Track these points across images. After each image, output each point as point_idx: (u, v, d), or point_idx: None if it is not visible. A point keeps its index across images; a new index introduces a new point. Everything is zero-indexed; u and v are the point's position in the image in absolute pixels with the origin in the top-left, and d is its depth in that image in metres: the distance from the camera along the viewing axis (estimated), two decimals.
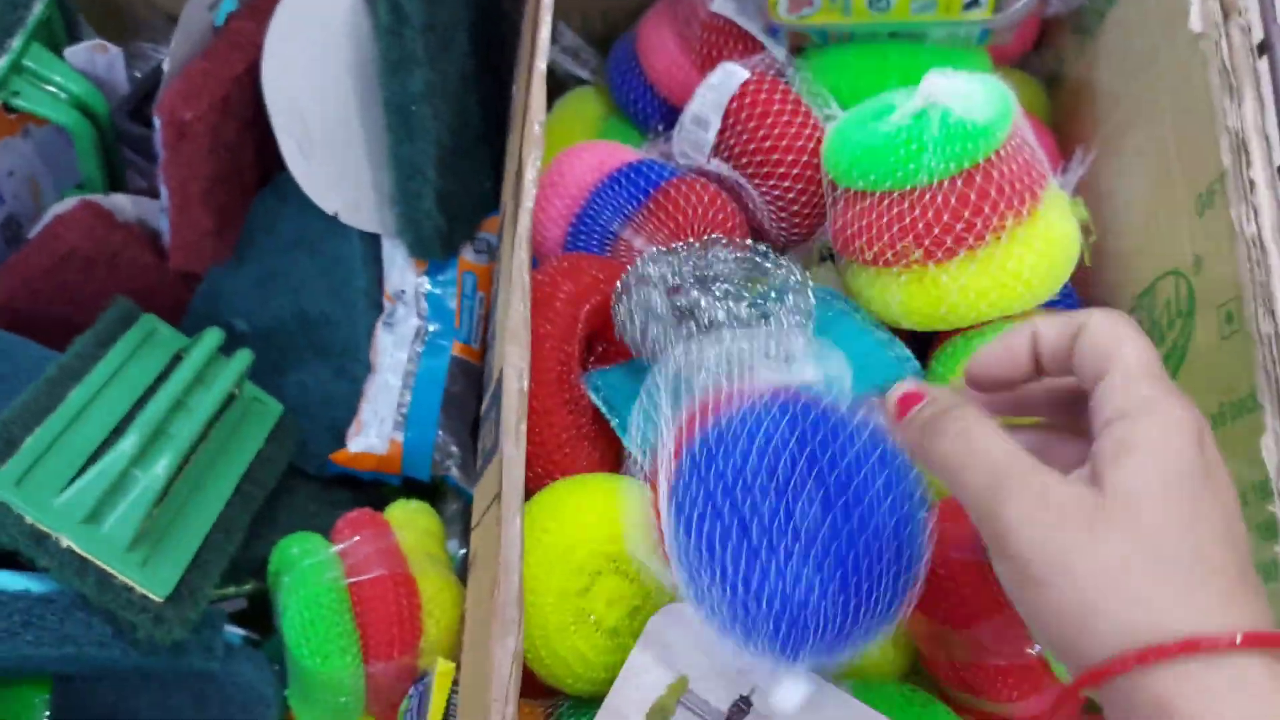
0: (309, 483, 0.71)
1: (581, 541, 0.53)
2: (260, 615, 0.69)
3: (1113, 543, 0.35)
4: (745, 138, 0.66)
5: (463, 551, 0.70)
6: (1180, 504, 0.35)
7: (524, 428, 0.50)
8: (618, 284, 0.59)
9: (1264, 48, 0.55)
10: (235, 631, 0.67)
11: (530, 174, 0.51)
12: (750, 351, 0.55)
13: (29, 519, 0.54)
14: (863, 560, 0.45)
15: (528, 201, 0.50)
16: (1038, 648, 0.52)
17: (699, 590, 0.47)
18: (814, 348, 0.56)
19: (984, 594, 0.52)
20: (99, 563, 0.55)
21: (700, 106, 0.68)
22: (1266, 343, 0.51)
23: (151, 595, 0.56)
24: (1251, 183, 0.53)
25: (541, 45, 0.54)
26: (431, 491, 0.71)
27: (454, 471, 0.69)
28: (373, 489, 0.71)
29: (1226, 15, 0.56)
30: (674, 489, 0.47)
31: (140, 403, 0.61)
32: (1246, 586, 0.35)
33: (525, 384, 0.50)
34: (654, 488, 0.50)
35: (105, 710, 0.65)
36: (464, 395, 0.70)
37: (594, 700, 0.54)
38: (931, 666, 0.57)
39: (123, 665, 0.57)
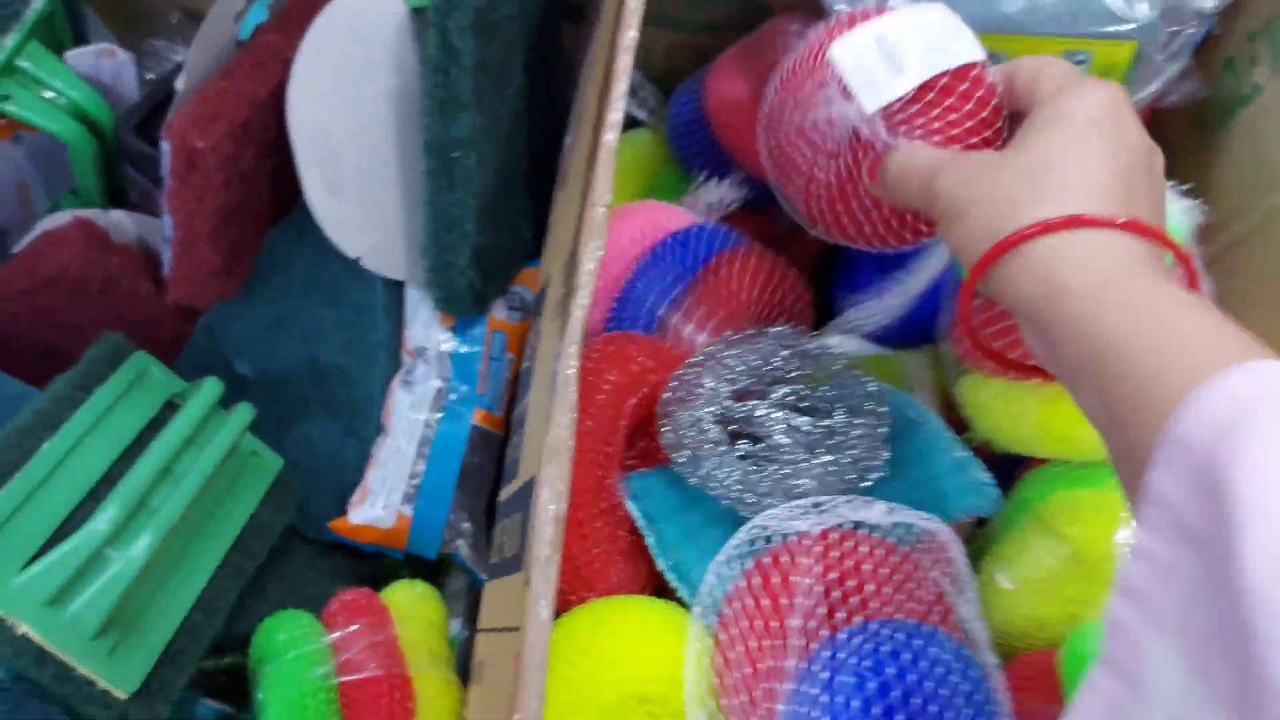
0: (305, 546, 0.64)
1: (613, 682, 0.46)
2: (238, 686, 0.63)
3: (1015, 169, 0.41)
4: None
5: (464, 634, 0.64)
6: (1084, 143, 0.40)
7: (557, 559, 0.43)
8: (662, 397, 0.53)
9: None
10: (210, 705, 0.61)
11: (589, 265, 0.44)
12: (820, 487, 0.49)
13: None
14: None
15: (583, 298, 0.43)
16: None
17: None
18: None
19: None
20: (59, 654, 0.48)
21: (902, 34, 0.48)
22: None
23: (115, 692, 0.50)
24: None
25: (614, 107, 0.47)
26: (435, 565, 0.65)
27: (463, 550, 0.62)
28: (374, 558, 0.65)
29: None
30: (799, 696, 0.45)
31: (124, 458, 0.54)
32: (1137, 205, 0.39)
33: (563, 510, 0.43)
34: (727, 645, 0.47)
35: None
36: (482, 467, 0.63)
37: None
38: None
39: None
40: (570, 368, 0.43)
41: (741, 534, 0.48)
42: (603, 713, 0.46)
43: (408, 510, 0.61)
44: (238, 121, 0.55)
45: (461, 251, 0.58)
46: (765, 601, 0.47)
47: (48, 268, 0.59)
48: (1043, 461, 0.56)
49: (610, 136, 0.45)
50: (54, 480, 0.52)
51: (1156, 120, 0.68)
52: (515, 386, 0.65)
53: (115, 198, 0.64)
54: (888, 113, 0.47)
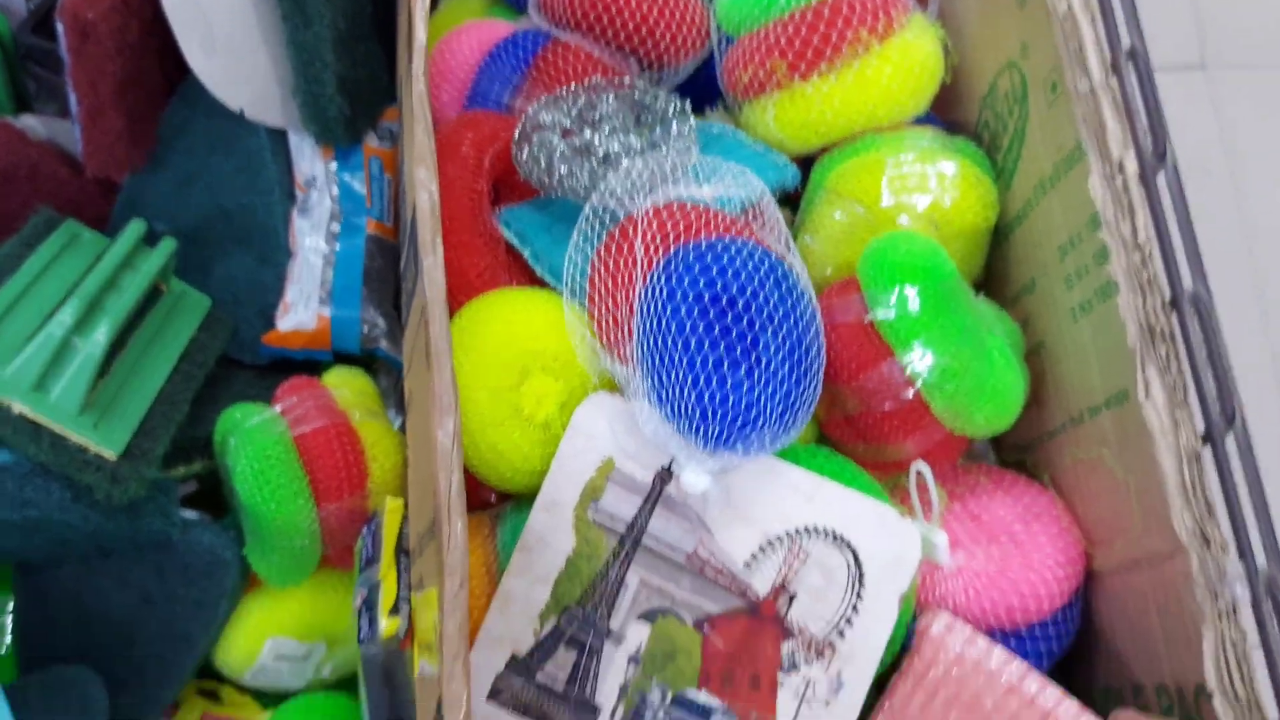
0: (245, 371, 0.75)
1: (509, 341, 0.58)
2: (211, 499, 0.72)
3: None
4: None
5: (399, 420, 0.74)
6: None
7: (439, 241, 0.54)
8: (516, 133, 0.64)
9: None
10: (188, 514, 0.70)
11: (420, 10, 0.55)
12: (653, 175, 0.61)
13: None
14: (798, 368, 0.55)
15: (420, 35, 0.55)
16: (912, 391, 0.58)
17: (664, 392, 0.54)
18: (706, 165, 0.62)
19: (867, 348, 0.59)
20: (52, 425, 0.58)
21: None
22: (1084, 99, 0.58)
23: (105, 453, 0.59)
24: None
25: None
26: (364, 369, 0.75)
27: (383, 343, 0.73)
28: (307, 371, 0.75)
29: None
30: (645, 309, 0.56)
31: (72, 292, 0.64)
32: None
33: (436, 201, 0.54)
34: (593, 303, 0.58)
35: (69, 595, 0.67)
36: (384, 271, 0.74)
37: (532, 498, 0.59)
38: (830, 429, 0.63)
39: (84, 530, 0.60)
40: (420, 91, 0.55)
41: (586, 211, 0.59)
42: (504, 367, 0.58)
43: (326, 311, 0.71)
44: None
45: (326, 81, 0.69)
46: (613, 261, 0.59)
47: None
48: (827, 152, 0.69)
49: None
50: (20, 304, 0.61)
51: None
52: (397, 204, 0.76)
53: (20, 107, 0.74)
54: None
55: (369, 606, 0.62)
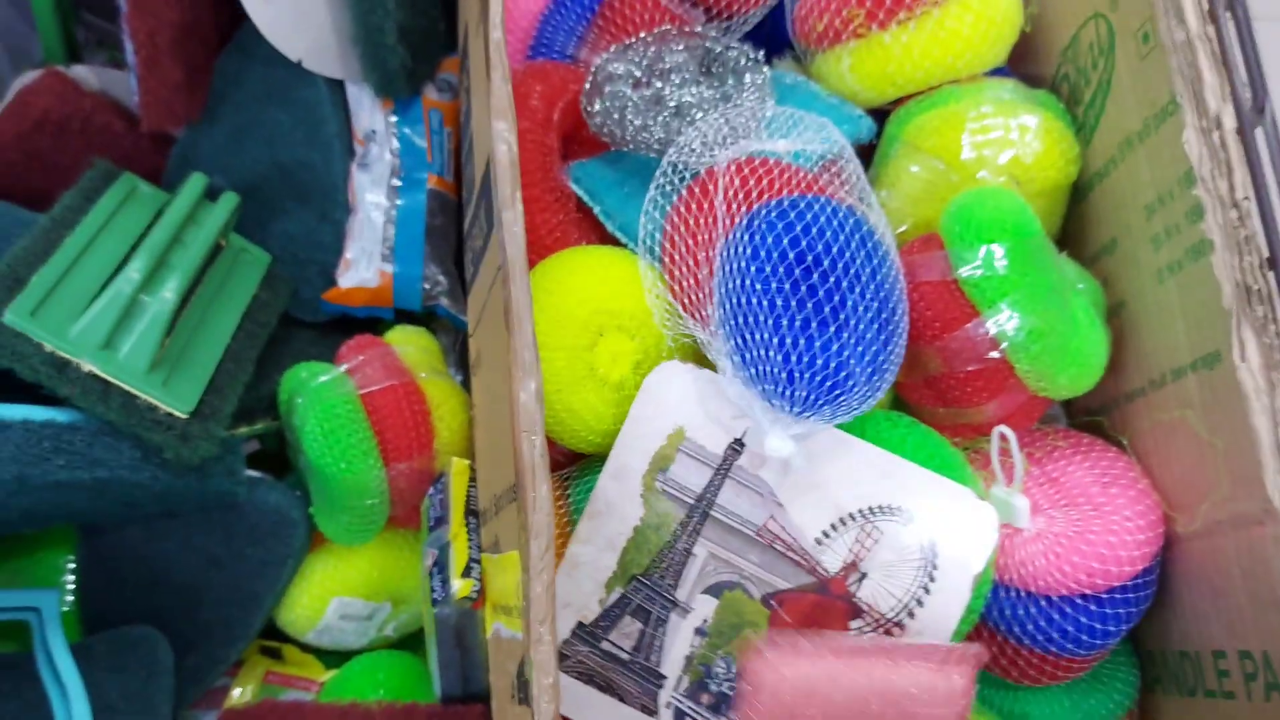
0: (307, 330, 0.74)
1: (584, 300, 0.57)
2: (273, 459, 0.72)
3: None
4: None
5: (459, 378, 0.73)
6: None
7: (519, 196, 0.53)
8: (586, 84, 0.63)
9: None
10: (253, 474, 0.69)
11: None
12: (729, 128, 0.59)
13: (48, 347, 0.56)
14: (885, 327, 0.54)
15: (495, 30, 0.53)
16: (998, 352, 0.57)
17: (748, 354, 0.52)
18: (782, 118, 0.60)
19: (951, 307, 0.57)
20: (122, 384, 0.57)
21: None
22: (1180, 49, 0.56)
23: (175, 412, 0.58)
24: None
25: None
26: (425, 326, 0.74)
27: (444, 301, 0.72)
28: (367, 329, 0.74)
29: None
30: (727, 269, 0.55)
31: (136, 246, 0.63)
32: None
33: (515, 154, 0.53)
34: (670, 263, 0.57)
35: (134, 556, 0.67)
36: (445, 227, 0.73)
37: (603, 459, 0.58)
38: (908, 392, 0.62)
39: (152, 491, 0.60)
40: (497, 39, 0.53)
41: (664, 165, 0.58)
42: (579, 327, 0.57)
43: (388, 268, 0.70)
44: None
45: (388, 30, 0.67)
46: (691, 218, 0.57)
47: (33, 113, 0.67)
48: (904, 104, 0.67)
49: None
50: (83, 260, 0.60)
51: None
52: (459, 158, 0.74)
53: (72, 58, 0.73)
54: None
55: (440, 568, 0.61)
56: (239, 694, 0.70)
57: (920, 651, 0.53)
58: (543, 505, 0.48)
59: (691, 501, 0.57)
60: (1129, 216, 0.61)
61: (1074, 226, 0.68)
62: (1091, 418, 0.68)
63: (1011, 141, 0.63)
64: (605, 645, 0.58)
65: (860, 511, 0.57)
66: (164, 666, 0.65)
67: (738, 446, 0.57)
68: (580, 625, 0.58)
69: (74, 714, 0.60)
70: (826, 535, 0.57)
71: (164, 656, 0.65)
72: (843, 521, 0.57)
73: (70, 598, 0.68)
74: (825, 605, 0.57)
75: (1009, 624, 0.59)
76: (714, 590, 0.57)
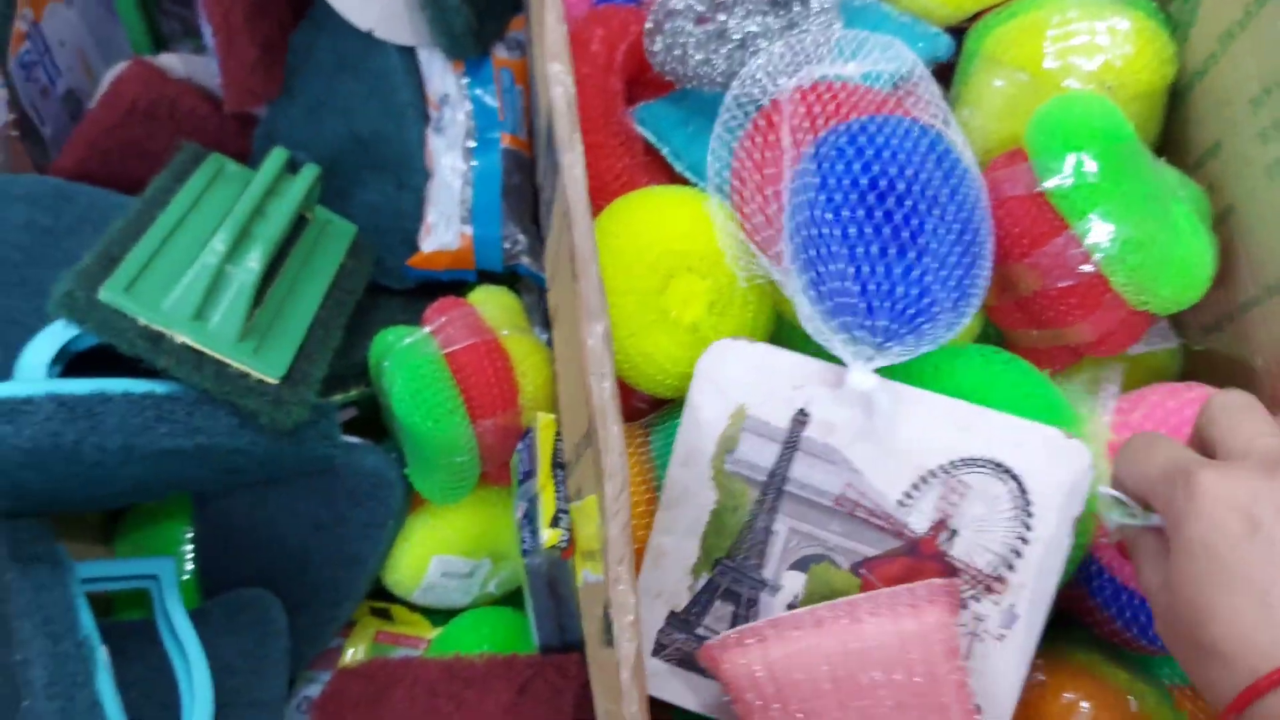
0: (394, 297, 0.75)
1: (653, 242, 0.56)
2: (370, 428, 0.73)
3: None
4: None
5: (544, 336, 0.73)
6: None
7: (578, 137, 0.52)
8: (647, 23, 0.62)
9: None
10: (350, 439, 0.71)
11: None
12: (795, 55, 0.57)
13: (142, 321, 0.58)
14: (968, 250, 0.52)
15: None
16: (1091, 265, 0.54)
17: (825, 288, 0.51)
18: (851, 40, 0.58)
19: (1040, 221, 0.54)
20: (214, 353, 0.59)
21: None
22: None
23: (267, 379, 0.60)
24: None
25: None
26: (508, 287, 0.74)
27: (525, 260, 0.72)
28: (453, 292, 0.75)
29: None
30: (796, 199, 0.53)
31: (222, 222, 0.65)
32: None
33: (573, 95, 0.52)
34: (740, 199, 0.55)
35: (244, 524, 0.69)
36: (521, 185, 0.73)
37: (681, 405, 0.57)
38: (999, 315, 0.59)
39: (252, 456, 0.61)
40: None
41: (728, 100, 0.57)
42: (649, 270, 0.56)
43: (468, 230, 0.71)
44: None
45: None
46: (758, 151, 0.56)
47: (123, 102, 0.70)
48: (982, 16, 0.64)
49: None
50: (174, 237, 0.62)
51: None
52: (530, 116, 0.74)
53: (158, 47, 0.75)
54: None
55: (529, 519, 0.61)
56: (352, 654, 0.72)
57: (883, 601, 0.51)
58: (614, 445, 0.47)
59: (764, 479, 0.56)
60: (1234, 113, 0.57)
61: (1173, 132, 0.63)
62: (1203, 338, 0.63)
63: (1099, 46, 0.59)
64: (700, 631, 0.57)
65: (942, 467, 0.54)
66: (278, 627, 0.67)
67: (802, 417, 0.55)
68: (673, 614, 0.57)
69: (194, 675, 0.63)
70: (909, 496, 0.54)
71: (277, 617, 0.67)
72: (925, 480, 0.54)
73: (190, 566, 0.72)
74: (917, 567, 0.55)
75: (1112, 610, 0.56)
76: (800, 565, 0.56)
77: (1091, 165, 0.53)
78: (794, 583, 0.56)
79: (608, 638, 0.50)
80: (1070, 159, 0.53)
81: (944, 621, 0.51)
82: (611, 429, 0.48)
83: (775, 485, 0.56)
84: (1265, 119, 0.54)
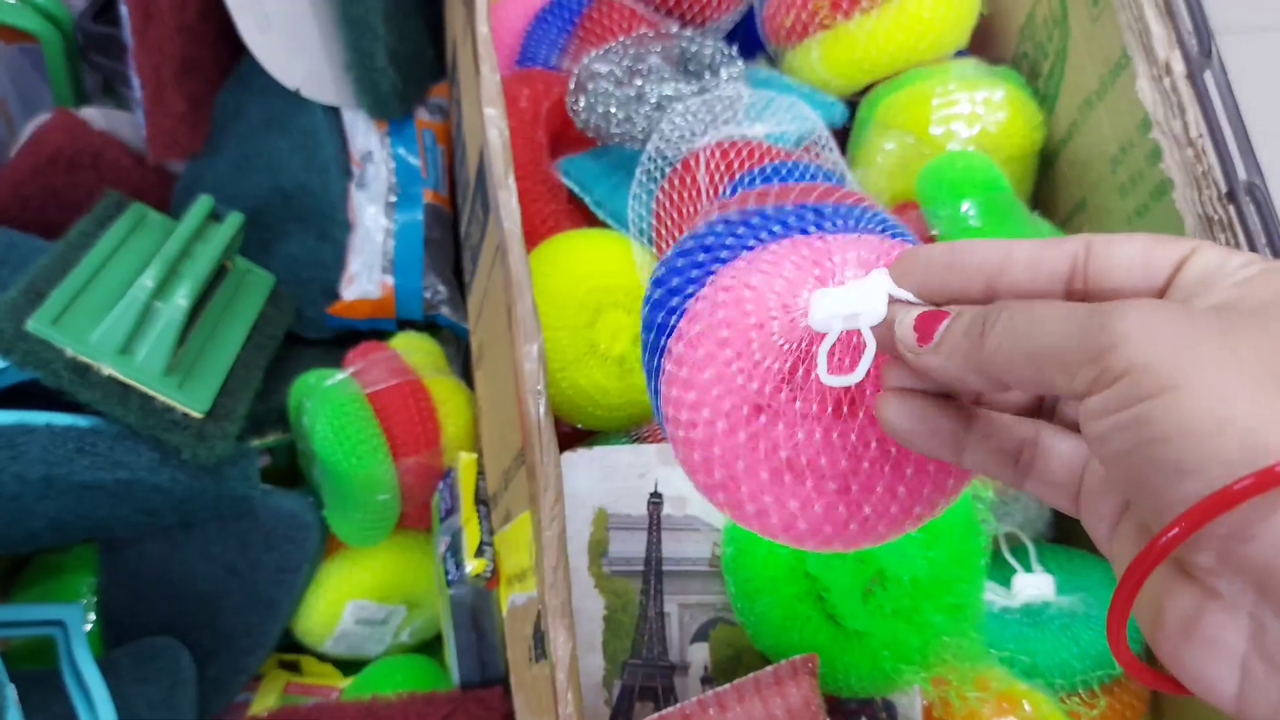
0: (311, 347, 0.76)
1: (583, 279, 0.59)
2: (286, 477, 0.74)
3: (1246, 350, 0.25)
4: None
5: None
6: None
7: (512, 176, 0.56)
8: (571, 83, 0.66)
9: None
10: (266, 486, 0.71)
11: (483, 30, 0.57)
12: (708, 114, 0.62)
13: (70, 352, 0.58)
14: None
15: (485, 48, 0.57)
16: None
17: None
18: (758, 102, 0.63)
19: None
20: (140, 386, 0.59)
21: None
22: (1127, 5, 0.59)
23: (191, 413, 0.60)
24: None
25: None
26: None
27: (444, 310, 0.74)
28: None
29: None
30: None
31: (150, 260, 0.65)
32: None
33: (507, 138, 0.56)
34: (660, 241, 0.58)
35: (154, 569, 0.68)
36: (442, 239, 0.75)
37: (610, 433, 0.60)
38: None
39: (171, 495, 0.61)
40: (485, 33, 0.56)
41: (649, 150, 0.61)
42: (578, 305, 0.59)
43: (389, 280, 0.73)
44: None
45: (378, 54, 0.71)
46: (677, 194, 0.60)
47: (46, 149, 0.70)
48: (873, 89, 0.71)
49: None
50: (102, 274, 0.63)
51: None
52: (451, 174, 0.77)
53: (80, 100, 0.76)
54: None
55: (454, 551, 0.62)
56: (260, 709, 0.71)
57: (747, 687, 0.51)
58: (550, 457, 0.50)
59: (642, 568, 0.58)
60: (1095, 172, 0.64)
61: (1044, 191, 0.71)
62: None
63: (977, 115, 0.66)
64: None
65: None
66: (187, 676, 0.65)
67: (656, 499, 0.58)
68: None
69: None
70: None
71: (186, 666, 0.66)
72: None
73: (93, 616, 0.70)
74: None
75: None
76: (700, 635, 0.58)
77: (974, 212, 0.59)
78: (699, 654, 0.57)
79: (539, 653, 0.51)
80: (954, 206, 0.59)
81: (808, 697, 0.52)
82: (546, 440, 0.50)
83: (654, 570, 0.58)
84: (1123, 175, 0.61)
